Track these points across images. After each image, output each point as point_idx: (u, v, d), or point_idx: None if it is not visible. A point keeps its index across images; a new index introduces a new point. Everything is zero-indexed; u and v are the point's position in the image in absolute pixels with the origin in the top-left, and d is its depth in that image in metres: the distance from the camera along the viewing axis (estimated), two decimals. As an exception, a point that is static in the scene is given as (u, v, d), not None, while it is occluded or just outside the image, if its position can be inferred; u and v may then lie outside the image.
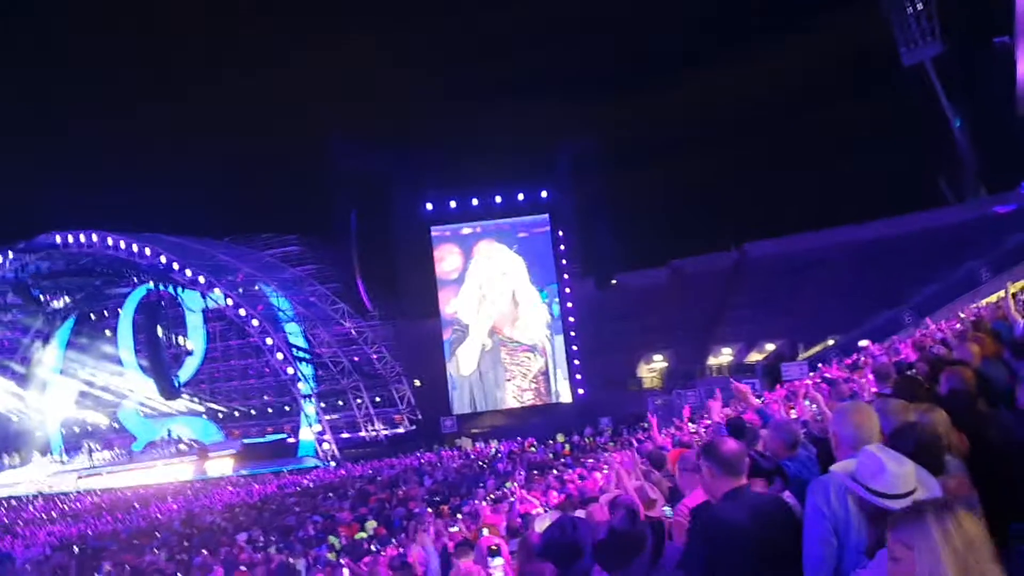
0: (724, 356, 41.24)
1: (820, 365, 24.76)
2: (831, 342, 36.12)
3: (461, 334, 40.33)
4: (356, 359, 42.38)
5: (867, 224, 40.83)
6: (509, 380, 40.06)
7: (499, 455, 32.59)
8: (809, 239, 41.81)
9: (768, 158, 46.44)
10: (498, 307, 39.94)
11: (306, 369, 41.79)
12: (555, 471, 20.75)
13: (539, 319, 40.48)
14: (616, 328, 40.55)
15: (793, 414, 8.63)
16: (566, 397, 40.59)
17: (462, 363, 40.11)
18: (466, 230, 41.59)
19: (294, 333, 42.81)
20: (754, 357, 40.30)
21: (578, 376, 40.78)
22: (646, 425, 36.24)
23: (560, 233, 41.51)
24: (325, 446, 39.97)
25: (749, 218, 43.76)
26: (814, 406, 8.78)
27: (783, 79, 44.91)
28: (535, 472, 23.53)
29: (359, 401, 42.07)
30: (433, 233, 41.55)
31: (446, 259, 41.69)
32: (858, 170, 41.98)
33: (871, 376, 8.65)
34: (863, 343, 22.07)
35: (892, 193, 39.90)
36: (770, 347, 40.46)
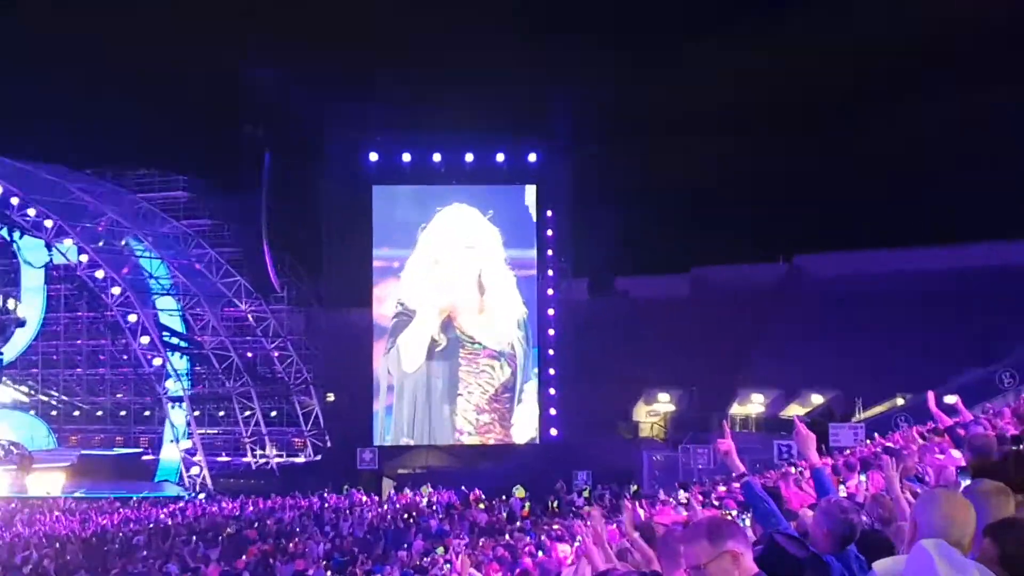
0: (753, 405, 41.43)
1: (876, 435, 24.79)
2: (900, 401, 36.43)
3: (405, 319, 40.10)
4: (250, 355, 42.37)
5: (957, 247, 41.04)
6: (463, 396, 39.90)
7: (434, 508, 32.52)
8: (880, 259, 42.16)
9: (831, 147, 46.64)
10: (458, 288, 39.70)
11: (179, 362, 41.72)
12: (507, 537, 20.84)
13: (511, 314, 40.33)
14: (611, 351, 40.62)
15: (842, 491, 8.58)
16: (531, 435, 40.59)
17: (404, 357, 39.83)
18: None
19: (169, 311, 42.50)
20: (794, 410, 40.46)
21: (552, 411, 40.68)
22: (636, 490, 36.78)
23: (549, 213, 41.32)
24: (194, 471, 39.82)
25: (803, 222, 43.95)
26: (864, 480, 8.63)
27: (857, 55, 45.01)
28: (480, 537, 23.49)
29: (248, 414, 42.02)
30: (375, 193, 41.32)
31: (391, 228, 41.41)
32: (950, 177, 42.27)
33: (957, 452, 8.58)
34: (950, 399, 22.13)
35: (992, 212, 40.10)
36: (816, 399, 40.68)
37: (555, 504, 31.74)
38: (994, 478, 4.86)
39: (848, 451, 21.20)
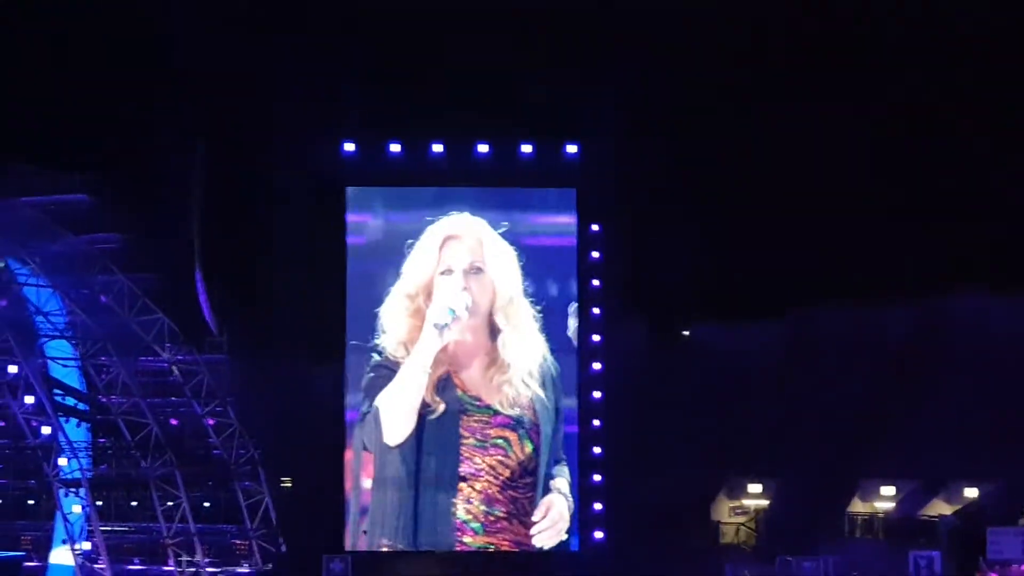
0: (881, 500, 41.14)
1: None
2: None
3: (386, 374, 39.82)
4: (175, 423, 42.21)
5: None
6: (467, 481, 39.66)
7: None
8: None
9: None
10: (459, 333, 39.50)
11: (76, 432, 41.41)
12: None
13: (534, 368, 40.13)
14: (680, 422, 40.41)
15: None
16: (563, 538, 40.10)
17: (386, 426, 39.49)
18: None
19: (62, 360, 42.39)
20: (938, 508, 40.22)
21: (596, 506, 40.38)
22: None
23: (595, 228, 41.34)
24: (96, 583, 39.51)
25: (946, 247, 43.61)
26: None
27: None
28: None
29: (171, 505, 41.73)
30: (351, 198, 41.40)
31: (370, 247, 41.38)
32: None
33: None
34: None
35: None
36: (970, 493, 40.41)
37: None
38: None
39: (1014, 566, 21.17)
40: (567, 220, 41.26)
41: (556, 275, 40.90)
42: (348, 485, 40.04)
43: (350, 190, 41.38)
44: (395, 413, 39.39)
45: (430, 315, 38.76)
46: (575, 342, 40.61)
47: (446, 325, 38.40)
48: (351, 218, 41.29)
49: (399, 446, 39.41)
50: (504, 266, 39.82)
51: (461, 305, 38.54)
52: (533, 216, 40.96)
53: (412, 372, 39.20)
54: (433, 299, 39.18)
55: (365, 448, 39.64)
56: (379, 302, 40.22)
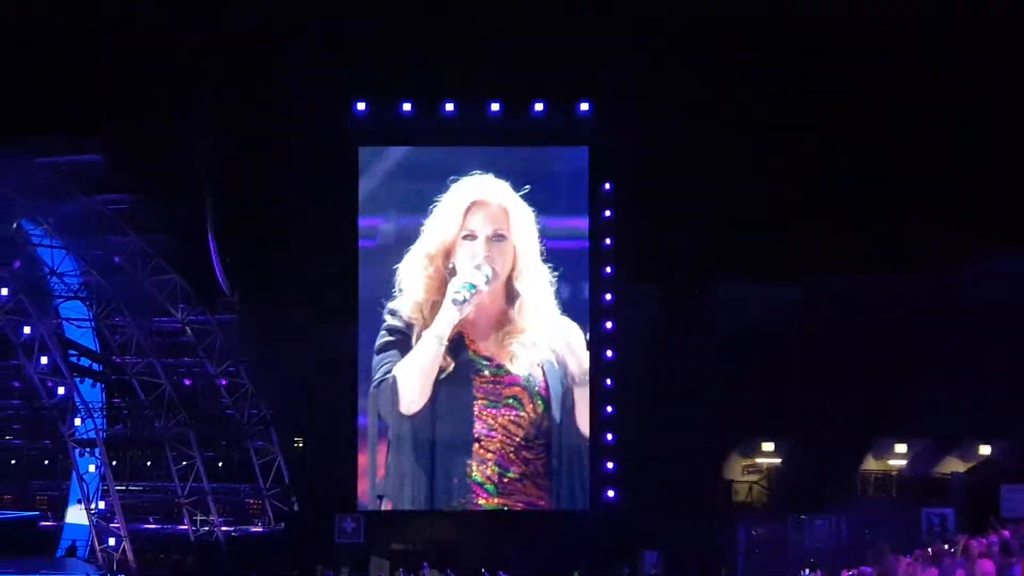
0: (894, 458, 41.11)
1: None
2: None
3: (402, 340, 39.84)
4: (188, 383, 42.39)
5: None
6: (480, 442, 39.70)
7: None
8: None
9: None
10: (475, 298, 39.37)
11: (90, 393, 41.79)
12: None
13: (547, 328, 40.09)
14: (693, 382, 40.36)
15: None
16: (578, 499, 40.43)
17: (403, 396, 39.53)
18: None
19: (77, 321, 42.56)
20: (952, 466, 40.19)
21: (609, 465, 40.47)
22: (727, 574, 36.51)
23: (607, 187, 41.36)
24: (111, 542, 39.85)
25: (960, 213, 43.36)
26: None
27: None
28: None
29: (185, 464, 41.98)
30: (363, 157, 41.30)
31: (383, 207, 41.38)
32: None
33: None
34: None
35: None
36: (984, 450, 40.34)
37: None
38: None
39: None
40: (580, 178, 41.37)
41: (569, 234, 41.07)
42: (362, 446, 40.14)
43: (363, 150, 41.33)
44: (411, 384, 39.49)
45: (450, 290, 38.77)
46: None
47: (465, 300, 38.53)
48: (364, 178, 41.28)
49: (414, 415, 39.67)
50: (525, 232, 39.80)
51: (482, 279, 38.49)
52: (546, 176, 41.00)
53: (430, 344, 39.21)
54: (455, 266, 39.22)
55: (380, 417, 39.75)
56: (395, 264, 40.39)
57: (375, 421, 39.88)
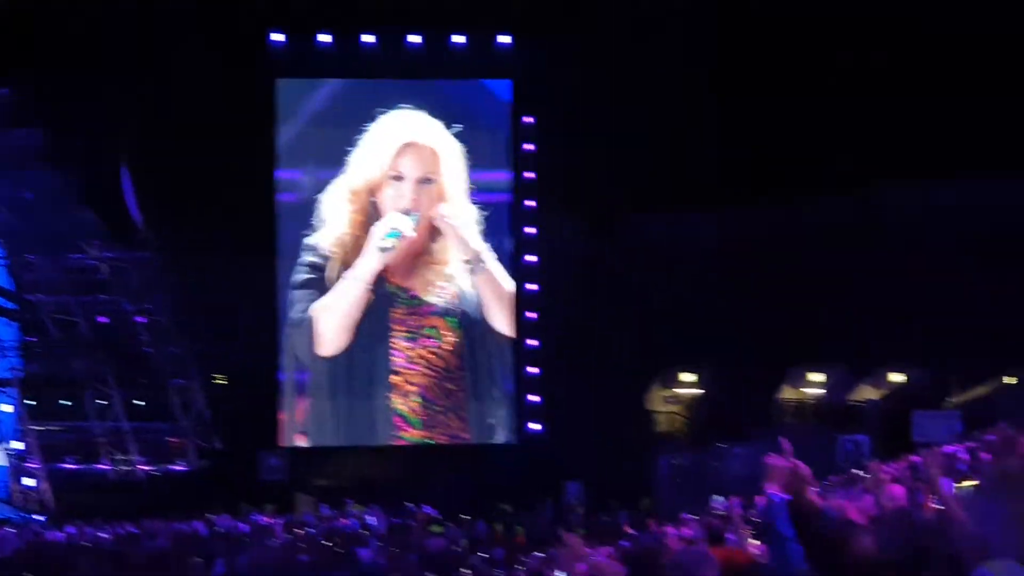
0: (810, 386, 41.81)
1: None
2: (1013, 380, 36.91)
3: (319, 277, 39.76)
4: (104, 321, 42.10)
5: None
6: (400, 375, 39.82)
7: (368, 532, 32.68)
8: (992, 190, 42.12)
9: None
10: (405, 231, 39.20)
11: (4, 331, 41.62)
12: (469, 573, 22.07)
13: (468, 261, 40.14)
14: (615, 314, 40.66)
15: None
16: (502, 431, 40.82)
17: (322, 336, 39.56)
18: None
19: (-13, 258, 41.90)
20: (867, 393, 40.86)
21: (532, 397, 40.81)
22: (648, 504, 36.96)
23: (529, 120, 41.54)
24: (28, 482, 39.74)
25: (881, 139, 43.83)
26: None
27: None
28: (431, 574, 23.92)
29: (103, 403, 41.80)
30: (281, 90, 41.11)
31: (303, 141, 41.02)
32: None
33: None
34: None
35: None
36: (897, 378, 41.05)
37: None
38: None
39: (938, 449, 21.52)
40: (502, 112, 41.54)
41: (492, 168, 41.18)
42: (284, 383, 40.26)
43: (281, 82, 41.09)
44: (330, 326, 39.57)
45: (374, 237, 38.69)
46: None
47: (392, 247, 38.45)
48: (283, 111, 41.16)
49: (332, 356, 39.68)
50: (453, 174, 39.88)
51: (408, 225, 38.46)
52: (467, 109, 41.09)
53: (350, 287, 39.30)
54: (380, 204, 39.15)
55: (297, 358, 39.86)
56: (314, 200, 40.29)
57: (292, 361, 40.07)
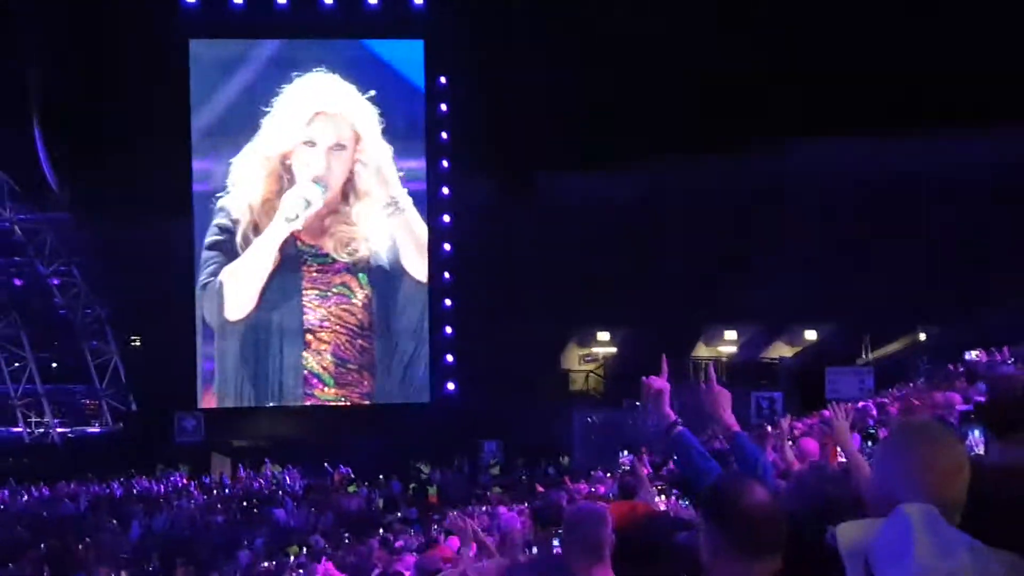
0: (724, 344, 42.13)
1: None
2: (922, 337, 37.31)
3: (228, 239, 39.69)
4: (18, 283, 41.98)
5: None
6: (315, 333, 39.89)
7: (284, 491, 32.87)
8: (900, 148, 42.38)
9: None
10: (314, 201, 39.29)
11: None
12: (384, 532, 21.62)
13: (380, 219, 40.33)
14: (530, 274, 40.81)
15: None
16: (417, 390, 41.07)
17: (230, 300, 39.55)
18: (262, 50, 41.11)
19: None
20: (780, 350, 41.27)
21: (448, 358, 41.00)
22: (564, 462, 37.26)
23: (442, 81, 41.49)
24: (-58, 446, 39.32)
25: (800, 94, 44.07)
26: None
27: None
28: (346, 533, 23.87)
29: (17, 366, 41.76)
30: (193, 51, 40.82)
31: (216, 103, 40.88)
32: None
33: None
34: (973, 354, 23.25)
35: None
36: (809, 335, 41.51)
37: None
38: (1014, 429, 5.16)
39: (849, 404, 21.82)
40: (415, 73, 41.38)
41: (405, 129, 41.14)
42: (199, 343, 40.14)
43: (193, 43, 40.75)
44: (238, 290, 39.71)
45: (284, 204, 38.87)
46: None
47: (298, 217, 38.59)
48: (195, 73, 40.74)
49: (240, 320, 39.78)
50: (366, 139, 39.84)
51: (317, 194, 38.63)
52: (380, 70, 40.94)
53: (259, 253, 39.45)
54: (291, 170, 39.26)
55: (205, 322, 39.84)
56: (227, 164, 40.17)
57: (203, 324, 40.04)
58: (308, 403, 40.16)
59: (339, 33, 40.70)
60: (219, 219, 39.80)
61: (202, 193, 40.49)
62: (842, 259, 39.31)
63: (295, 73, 40.07)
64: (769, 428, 16.61)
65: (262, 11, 40.21)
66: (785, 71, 41.01)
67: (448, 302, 40.98)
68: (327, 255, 39.84)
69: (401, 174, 40.47)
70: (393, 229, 40.31)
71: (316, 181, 38.66)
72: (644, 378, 6.60)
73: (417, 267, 40.77)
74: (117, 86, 39.92)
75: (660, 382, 6.30)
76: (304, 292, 39.92)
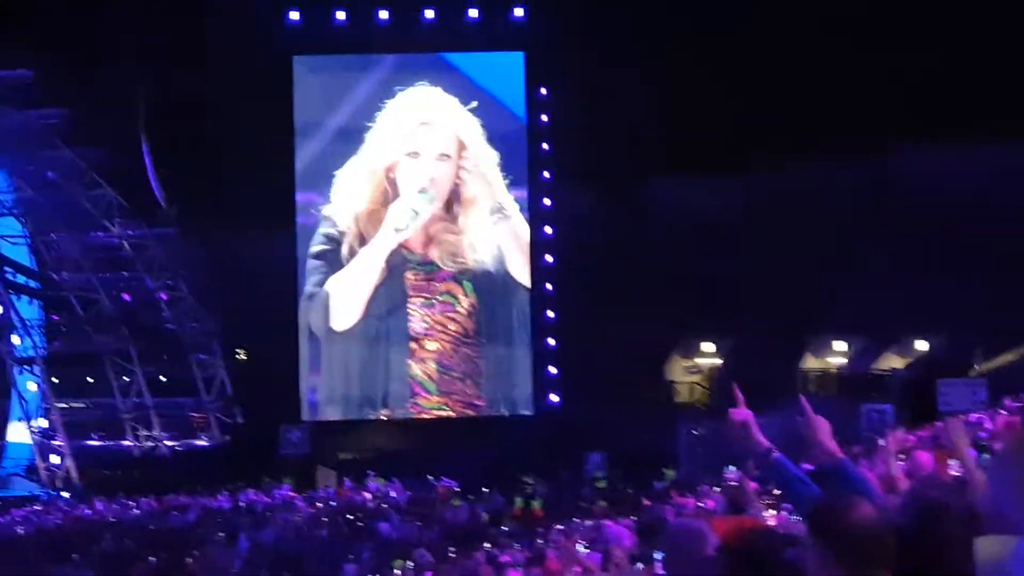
0: (833, 355, 41.50)
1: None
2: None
3: (334, 249, 39.89)
4: (127, 298, 42.40)
5: None
6: (419, 340, 39.93)
7: (389, 505, 32.81)
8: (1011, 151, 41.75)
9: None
10: (422, 212, 39.42)
11: (28, 309, 41.69)
12: (489, 546, 21.31)
13: (485, 228, 40.40)
14: (634, 283, 40.55)
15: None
16: (520, 402, 40.96)
17: (336, 311, 39.75)
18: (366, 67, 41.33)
19: (11, 237, 42.25)
20: (891, 362, 40.55)
21: (551, 369, 40.83)
22: (670, 475, 36.97)
23: (543, 92, 41.47)
24: (54, 460, 39.98)
25: (902, 101, 43.48)
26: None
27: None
28: (451, 547, 23.67)
29: (126, 380, 42.09)
30: (298, 67, 41.15)
31: (320, 117, 41.12)
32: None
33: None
34: None
35: None
36: (921, 346, 40.73)
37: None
38: None
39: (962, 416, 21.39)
40: (517, 83, 41.39)
41: (508, 140, 41.07)
42: (304, 356, 40.36)
43: (297, 59, 41.09)
44: (344, 300, 39.84)
45: (391, 215, 39.02)
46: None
47: (407, 227, 38.69)
48: (299, 88, 41.08)
49: (347, 331, 39.91)
50: (470, 148, 39.93)
51: (425, 204, 38.80)
52: (483, 82, 40.94)
53: (366, 264, 39.60)
54: (397, 182, 39.39)
55: (312, 332, 40.03)
56: (330, 176, 40.33)
57: (308, 334, 40.23)
58: (412, 411, 40.24)
59: (441, 46, 40.80)
60: (325, 228, 40.07)
61: (305, 204, 40.78)
62: (954, 268, 38.59)
63: (397, 88, 40.26)
64: (880, 441, 16.32)
65: (365, 26, 40.54)
66: (890, 72, 40.54)
67: (550, 313, 40.86)
68: (432, 263, 39.97)
69: (505, 182, 40.38)
70: (499, 236, 40.37)
71: (422, 191, 38.76)
72: (731, 412, 6.51)
73: (522, 273, 40.74)
74: (222, 102, 40.31)
75: (742, 413, 6.17)
76: (409, 299, 40.01)
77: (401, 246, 39.62)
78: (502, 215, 40.41)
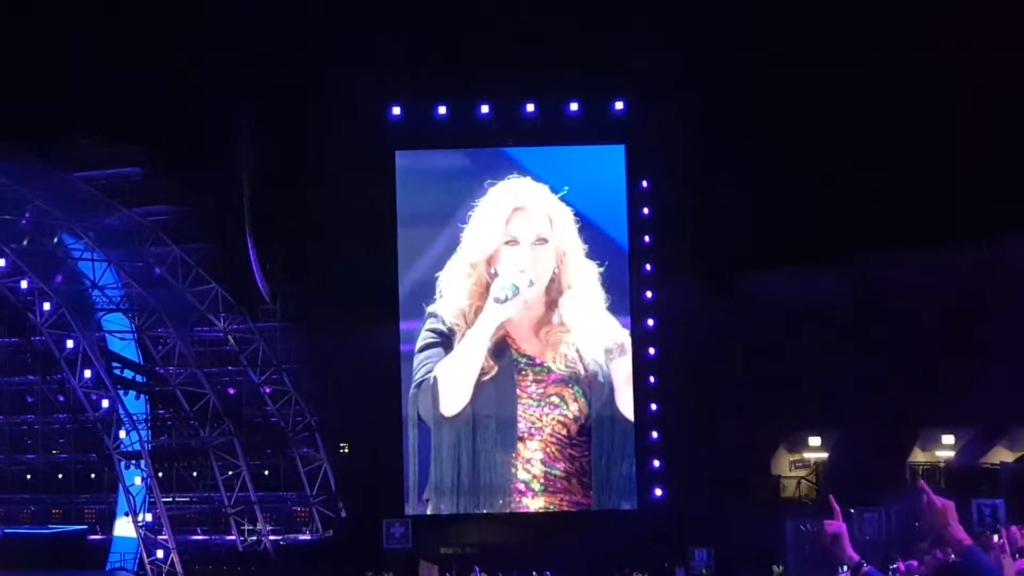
0: (942, 448, 40.93)
1: None
2: None
3: (442, 342, 40.11)
4: (232, 391, 42.86)
5: None
6: (526, 441, 39.92)
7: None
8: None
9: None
10: (518, 299, 39.60)
11: (134, 405, 42.32)
12: None
13: (594, 329, 40.31)
14: (738, 377, 40.36)
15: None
16: (625, 497, 40.63)
17: (444, 397, 39.82)
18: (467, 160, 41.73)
19: (120, 333, 42.94)
20: (1001, 455, 39.90)
21: (655, 463, 40.60)
22: (778, 571, 36.50)
23: (644, 184, 41.40)
24: (159, 554, 40.11)
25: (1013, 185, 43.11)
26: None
27: None
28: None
29: (231, 474, 42.43)
30: (400, 162, 41.51)
31: (422, 211, 41.57)
32: None
33: None
34: None
35: None
36: (1032, 437, 40.13)
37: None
38: None
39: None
40: (617, 176, 41.54)
41: (609, 232, 41.25)
42: (407, 451, 40.32)
43: (399, 154, 41.46)
44: (452, 384, 39.82)
45: (493, 290, 39.15)
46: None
47: (507, 299, 38.84)
48: (401, 182, 41.38)
49: (456, 416, 39.93)
50: (566, 235, 40.08)
51: (524, 281, 38.89)
52: (583, 174, 41.12)
53: (471, 345, 39.62)
54: (498, 271, 39.48)
55: (420, 418, 40.01)
56: (435, 268, 40.69)
57: (415, 423, 40.23)
58: (516, 510, 39.99)
59: (541, 140, 41.05)
60: (431, 323, 40.18)
61: (410, 300, 40.96)
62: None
63: (488, 181, 40.58)
64: (995, 537, 16.05)
65: (469, 120, 40.89)
66: (992, 163, 40.29)
67: (654, 406, 40.59)
68: (543, 365, 40.01)
69: (601, 269, 40.52)
70: (600, 339, 40.36)
71: (522, 271, 38.93)
72: (826, 524, 6.54)
73: (624, 373, 40.59)
74: (326, 197, 40.93)
75: (835, 525, 6.20)
76: (520, 400, 40.05)
77: (512, 347, 39.81)
78: (622, 352, 40.53)
